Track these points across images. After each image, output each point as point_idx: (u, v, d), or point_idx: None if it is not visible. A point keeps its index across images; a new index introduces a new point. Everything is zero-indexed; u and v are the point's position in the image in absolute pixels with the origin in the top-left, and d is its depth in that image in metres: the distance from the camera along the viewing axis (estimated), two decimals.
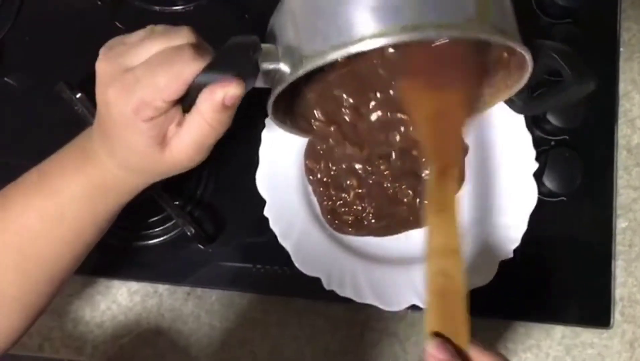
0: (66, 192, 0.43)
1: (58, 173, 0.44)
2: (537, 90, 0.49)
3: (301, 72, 0.37)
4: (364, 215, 0.53)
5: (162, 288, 0.59)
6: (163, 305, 0.59)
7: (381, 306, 0.49)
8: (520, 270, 0.54)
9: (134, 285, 0.59)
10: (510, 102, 0.47)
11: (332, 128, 0.50)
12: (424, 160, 0.50)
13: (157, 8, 0.63)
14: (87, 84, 0.56)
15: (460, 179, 0.52)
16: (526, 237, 0.52)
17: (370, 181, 0.52)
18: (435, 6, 0.34)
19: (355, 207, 0.52)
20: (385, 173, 0.51)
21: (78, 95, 0.58)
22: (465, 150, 0.52)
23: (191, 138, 0.39)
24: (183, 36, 0.38)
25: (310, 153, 0.52)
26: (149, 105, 0.37)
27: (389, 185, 0.52)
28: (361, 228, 0.53)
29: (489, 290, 0.51)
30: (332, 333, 0.57)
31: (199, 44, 0.39)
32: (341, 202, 0.53)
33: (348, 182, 0.52)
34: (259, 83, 0.40)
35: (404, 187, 0.52)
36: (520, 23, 0.60)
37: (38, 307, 0.46)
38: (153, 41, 0.38)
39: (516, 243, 0.50)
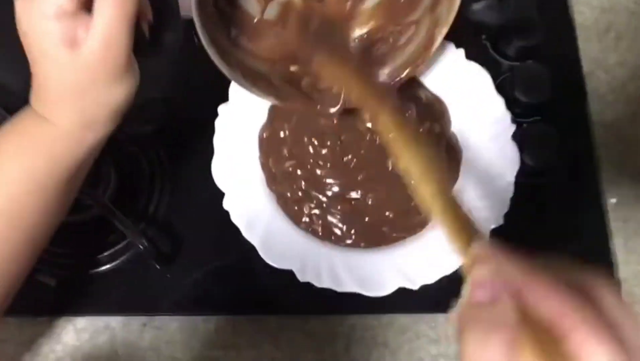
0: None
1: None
2: None
3: None
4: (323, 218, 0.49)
5: (114, 321, 0.53)
6: (116, 340, 0.52)
7: (365, 293, 0.44)
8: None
9: (80, 321, 0.53)
10: None
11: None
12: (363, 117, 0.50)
13: None
14: None
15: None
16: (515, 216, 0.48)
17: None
18: None
19: (308, 205, 0.49)
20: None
21: None
22: (459, 152, 0.51)
23: (99, 32, 0.38)
24: None
25: (260, 146, 0.49)
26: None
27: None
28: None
29: None
30: (315, 351, 0.51)
31: None
32: (292, 200, 0.50)
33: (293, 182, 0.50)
34: None
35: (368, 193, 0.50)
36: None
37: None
38: None
39: (506, 207, 0.46)
